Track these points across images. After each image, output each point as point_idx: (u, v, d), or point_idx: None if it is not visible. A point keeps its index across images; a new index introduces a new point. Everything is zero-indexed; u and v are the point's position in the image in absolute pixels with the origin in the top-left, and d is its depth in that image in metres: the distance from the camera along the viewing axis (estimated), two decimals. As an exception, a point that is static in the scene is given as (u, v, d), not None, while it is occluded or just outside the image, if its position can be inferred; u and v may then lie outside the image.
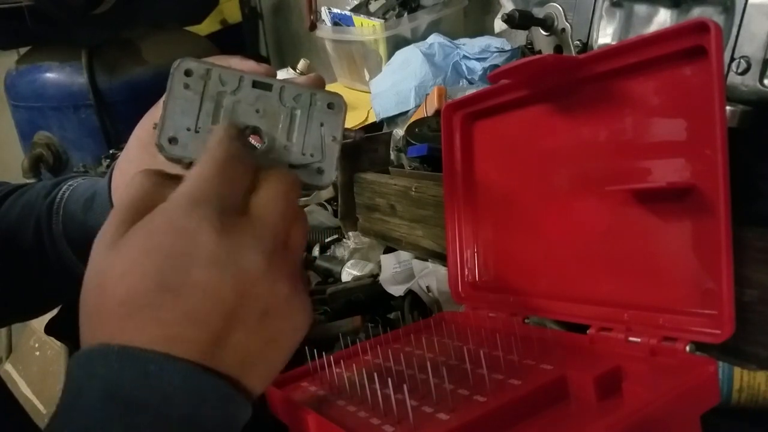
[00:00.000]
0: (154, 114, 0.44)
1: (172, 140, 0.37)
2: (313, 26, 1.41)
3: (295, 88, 0.39)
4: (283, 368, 0.34)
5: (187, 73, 0.37)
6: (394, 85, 1.09)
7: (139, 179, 0.33)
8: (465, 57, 1.08)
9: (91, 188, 0.50)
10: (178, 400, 0.28)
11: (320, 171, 0.38)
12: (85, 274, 0.32)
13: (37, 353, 1.70)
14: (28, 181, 1.41)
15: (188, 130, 0.37)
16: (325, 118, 0.39)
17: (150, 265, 0.29)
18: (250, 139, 0.38)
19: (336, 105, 0.39)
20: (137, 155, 0.45)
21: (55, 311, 0.86)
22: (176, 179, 0.33)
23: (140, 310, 0.29)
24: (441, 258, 0.67)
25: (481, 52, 1.07)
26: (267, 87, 0.39)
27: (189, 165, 0.37)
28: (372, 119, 1.15)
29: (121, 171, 0.47)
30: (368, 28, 1.25)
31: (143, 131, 0.45)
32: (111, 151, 1.42)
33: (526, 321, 0.51)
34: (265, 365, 0.32)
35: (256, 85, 0.38)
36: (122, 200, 0.33)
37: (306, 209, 1.00)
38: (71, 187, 0.52)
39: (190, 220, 0.30)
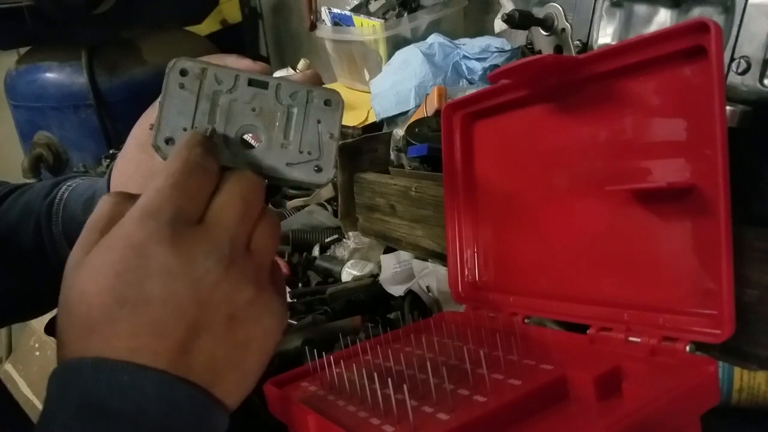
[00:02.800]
0: (150, 114, 0.44)
1: (169, 141, 0.37)
2: (313, 26, 1.41)
3: (291, 86, 0.39)
4: (262, 374, 0.33)
5: (183, 72, 0.37)
6: (394, 85, 1.09)
7: (102, 200, 0.34)
8: (465, 57, 1.08)
9: (90, 188, 0.50)
10: (153, 409, 0.29)
11: (318, 169, 0.38)
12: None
13: (37, 353, 1.70)
14: (28, 181, 1.41)
15: (185, 130, 0.37)
16: (322, 115, 0.39)
17: (105, 281, 0.30)
18: (249, 137, 0.38)
19: (333, 102, 0.39)
20: (135, 155, 0.45)
21: (55, 311, 0.86)
22: (137, 197, 0.33)
23: (100, 324, 0.30)
24: (441, 258, 0.67)
25: (481, 52, 1.07)
26: (263, 85, 0.38)
27: None
28: (372, 119, 1.15)
29: (119, 171, 0.47)
30: (368, 28, 1.25)
31: (141, 131, 0.45)
32: (111, 151, 1.42)
33: (526, 321, 0.51)
34: (237, 372, 0.32)
35: (251, 83, 0.38)
36: (87, 222, 0.33)
37: (306, 209, 1.00)
38: (71, 188, 0.51)
39: (142, 233, 0.30)
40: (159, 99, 0.37)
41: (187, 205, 0.32)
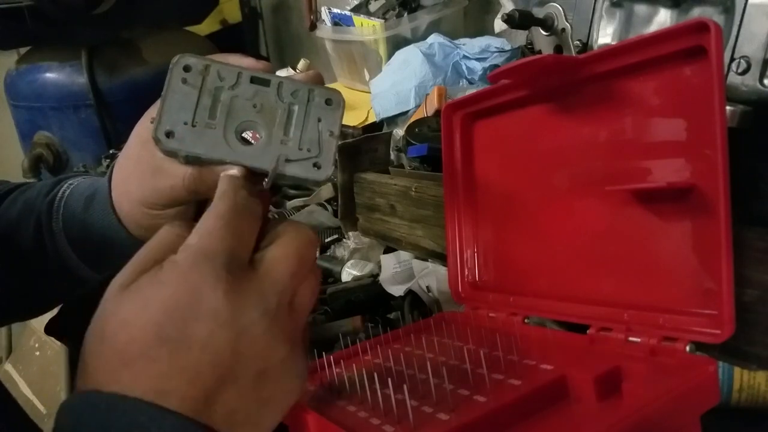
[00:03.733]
0: (153, 111, 0.44)
1: (169, 134, 0.37)
2: (313, 26, 1.41)
3: (293, 84, 0.39)
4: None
5: (186, 68, 0.38)
6: (394, 85, 1.09)
7: (162, 229, 0.34)
8: (465, 57, 1.08)
9: (91, 187, 0.50)
10: None
11: (317, 166, 0.38)
12: (93, 316, 0.31)
13: (37, 353, 1.70)
14: (28, 180, 1.41)
15: (185, 124, 0.37)
16: (322, 113, 0.39)
17: (152, 316, 0.29)
18: (248, 134, 0.38)
19: (334, 101, 0.39)
20: (136, 152, 0.45)
21: (55, 311, 0.86)
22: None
23: (136, 360, 0.29)
24: (441, 258, 0.67)
25: (481, 52, 1.07)
26: (265, 83, 0.39)
27: (185, 159, 0.37)
28: (372, 119, 1.15)
29: (120, 167, 0.47)
30: (368, 28, 1.25)
31: (143, 129, 0.45)
32: (111, 151, 1.42)
33: (526, 321, 0.51)
34: (254, 428, 0.32)
35: (254, 80, 0.39)
36: (141, 248, 0.33)
37: (306, 209, 1.00)
38: (72, 186, 0.51)
39: (197, 274, 0.30)
40: (162, 93, 0.37)
41: (239, 249, 0.32)
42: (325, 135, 0.39)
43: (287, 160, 0.38)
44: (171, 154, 0.37)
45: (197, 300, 0.30)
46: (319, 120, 0.39)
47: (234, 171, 0.36)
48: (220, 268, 0.30)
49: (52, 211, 0.50)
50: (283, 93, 0.39)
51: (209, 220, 0.32)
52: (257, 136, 0.38)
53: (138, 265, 0.32)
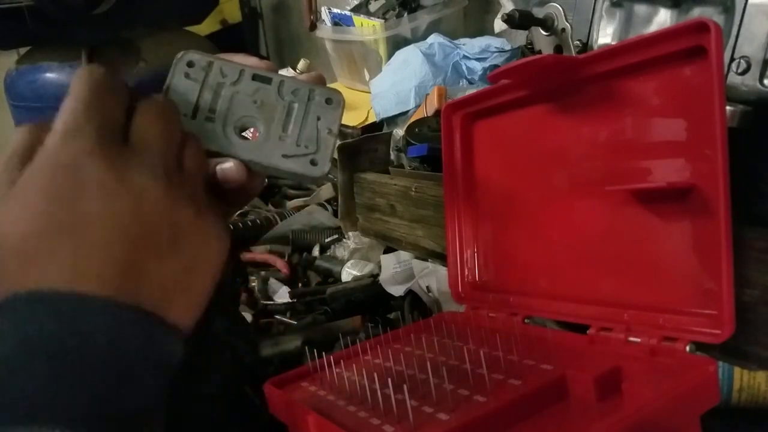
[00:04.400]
0: None
1: None
2: (313, 26, 1.41)
3: (294, 83, 0.40)
4: (208, 299, 0.32)
5: (189, 64, 0.38)
6: (394, 85, 1.09)
7: (17, 131, 0.32)
8: (465, 57, 1.08)
9: None
10: (98, 340, 0.26)
11: (314, 162, 0.39)
12: None
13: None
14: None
15: (185, 116, 0.37)
16: (322, 112, 0.39)
17: (38, 207, 0.28)
18: (248, 133, 0.39)
19: (334, 101, 0.40)
20: None
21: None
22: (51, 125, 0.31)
23: (37, 253, 0.27)
24: (441, 258, 0.67)
25: (481, 52, 1.07)
26: (266, 80, 0.39)
27: None
28: (372, 119, 1.15)
29: None
30: (368, 28, 1.25)
31: None
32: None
33: (526, 321, 0.51)
34: (187, 295, 0.31)
35: (255, 78, 0.39)
36: (4, 154, 0.31)
37: (306, 209, 1.00)
38: None
39: (69, 151, 0.29)
40: (163, 86, 0.38)
41: (108, 122, 0.30)
42: (324, 133, 0.39)
43: (284, 156, 0.38)
44: None
45: (77, 176, 0.28)
46: (318, 118, 0.39)
47: (230, 163, 0.36)
48: (90, 141, 0.29)
49: None
50: (284, 91, 0.39)
51: (69, 102, 0.31)
52: (257, 133, 0.39)
53: (6, 171, 0.30)
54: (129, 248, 0.28)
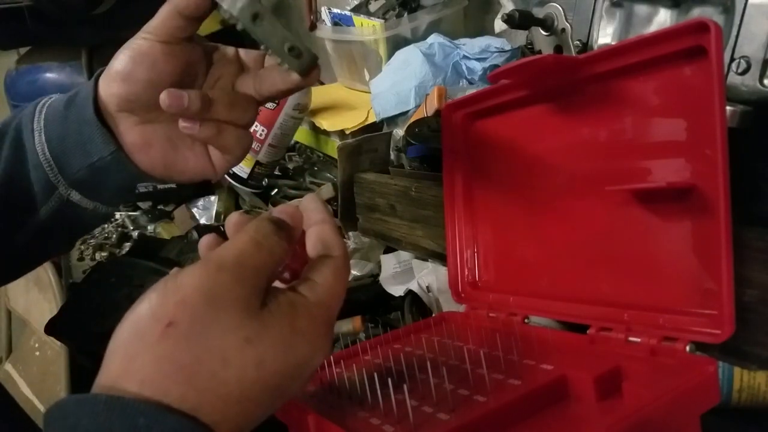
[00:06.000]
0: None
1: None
2: (313, 26, 1.41)
3: None
4: None
5: None
6: (394, 85, 1.08)
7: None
8: (465, 57, 1.08)
9: (71, 91, 0.49)
10: None
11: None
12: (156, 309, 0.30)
13: (37, 353, 1.70)
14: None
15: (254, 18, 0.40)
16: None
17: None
18: None
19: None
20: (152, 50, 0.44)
21: (55, 311, 0.86)
22: None
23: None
24: (441, 258, 0.67)
25: (481, 52, 1.07)
26: None
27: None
28: (372, 119, 1.15)
29: (128, 58, 0.44)
30: (368, 28, 1.25)
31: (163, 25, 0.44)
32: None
33: (526, 321, 0.51)
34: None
35: None
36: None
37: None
38: (51, 98, 0.51)
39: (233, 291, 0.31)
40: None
41: (264, 285, 0.32)
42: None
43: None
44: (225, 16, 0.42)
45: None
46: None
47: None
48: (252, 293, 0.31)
49: (34, 114, 0.48)
50: None
51: (250, 249, 0.32)
52: None
53: (253, 285, 0.32)
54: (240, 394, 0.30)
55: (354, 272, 0.80)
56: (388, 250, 0.80)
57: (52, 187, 0.47)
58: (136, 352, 0.29)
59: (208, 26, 1.93)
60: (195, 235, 1.01)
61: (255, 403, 0.30)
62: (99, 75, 0.46)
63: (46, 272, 1.28)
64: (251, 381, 0.30)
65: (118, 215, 1.31)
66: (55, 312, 0.92)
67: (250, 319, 0.30)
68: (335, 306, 0.35)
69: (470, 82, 1.05)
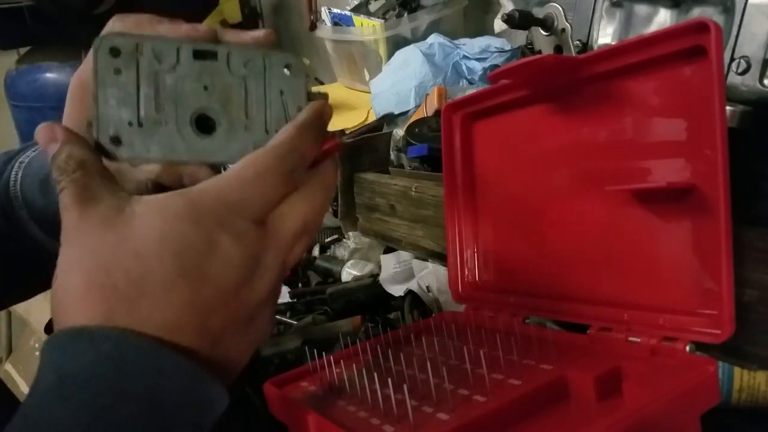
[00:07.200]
0: (77, 101, 0.38)
1: (115, 140, 0.32)
2: (313, 26, 1.41)
3: (243, 53, 0.34)
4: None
5: (114, 52, 0.32)
6: (394, 85, 1.09)
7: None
8: (465, 57, 1.08)
9: (44, 166, 0.46)
10: (136, 375, 0.28)
11: None
12: (65, 251, 0.30)
13: (37, 353, 1.70)
14: None
15: (130, 124, 0.32)
16: (284, 84, 0.34)
17: (170, 250, 0.29)
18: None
19: (293, 66, 0.34)
20: None
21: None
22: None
23: (156, 291, 0.29)
24: (441, 258, 0.67)
25: (481, 52, 1.07)
26: (211, 56, 0.33)
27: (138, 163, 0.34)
28: (372, 119, 1.15)
29: None
30: (368, 28, 1.25)
31: (69, 121, 0.39)
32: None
33: (526, 321, 0.51)
34: (235, 368, 0.33)
35: (197, 55, 0.33)
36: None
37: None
38: (22, 165, 0.48)
39: (219, 223, 0.30)
40: (92, 90, 0.32)
41: (265, 208, 0.32)
42: (293, 111, 0.34)
43: (255, 147, 0.33)
44: (123, 161, 0.32)
45: (213, 244, 0.30)
46: (282, 92, 0.34)
47: (199, 174, 0.36)
48: (240, 222, 0.31)
49: (10, 197, 0.47)
50: (234, 65, 0.33)
51: (248, 168, 0.31)
52: (217, 125, 0.33)
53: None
54: (224, 316, 0.31)
55: (354, 272, 0.80)
56: (388, 250, 0.80)
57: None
58: (151, 287, 0.29)
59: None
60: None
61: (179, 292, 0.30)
62: None
63: (46, 272, 1.27)
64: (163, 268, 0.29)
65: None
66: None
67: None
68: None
69: (470, 82, 1.06)
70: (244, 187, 0.31)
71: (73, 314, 0.29)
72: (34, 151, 0.49)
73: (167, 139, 0.32)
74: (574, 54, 0.64)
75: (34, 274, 0.55)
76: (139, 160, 0.33)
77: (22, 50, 1.63)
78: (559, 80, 0.47)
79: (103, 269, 0.29)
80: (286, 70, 0.34)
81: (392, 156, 0.85)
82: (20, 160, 0.48)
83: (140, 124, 0.32)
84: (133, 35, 0.32)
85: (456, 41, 1.12)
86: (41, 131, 0.33)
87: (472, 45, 1.09)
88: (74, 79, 0.37)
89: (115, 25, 0.35)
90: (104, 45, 0.31)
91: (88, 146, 0.32)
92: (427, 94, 0.99)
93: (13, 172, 0.48)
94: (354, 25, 1.30)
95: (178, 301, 0.29)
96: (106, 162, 0.32)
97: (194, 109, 0.33)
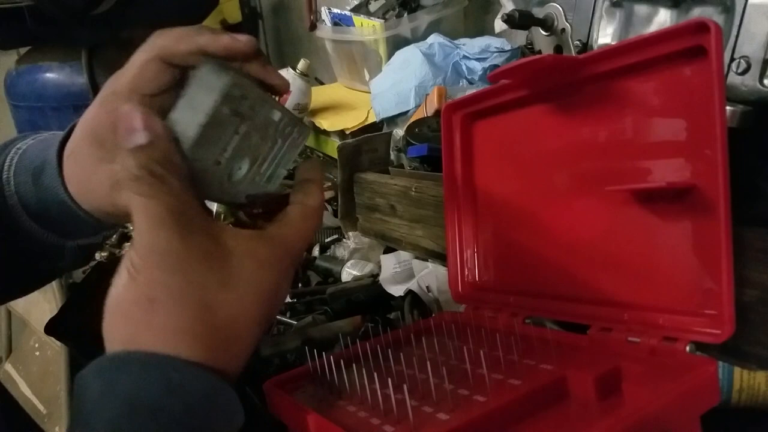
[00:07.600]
0: (110, 95, 0.41)
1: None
2: (313, 26, 1.41)
3: (290, 118, 0.37)
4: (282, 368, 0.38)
5: (233, 91, 0.32)
6: (394, 85, 1.09)
7: None
8: (465, 57, 1.08)
9: (39, 156, 0.45)
10: (199, 410, 0.31)
11: (264, 188, 0.39)
12: (164, 277, 0.32)
13: (37, 353, 1.70)
14: None
15: (218, 164, 0.33)
16: (290, 149, 0.39)
17: (260, 297, 0.35)
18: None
19: (302, 137, 0.39)
20: (90, 152, 0.41)
21: (55, 311, 0.86)
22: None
23: (243, 333, 0.34)
24: (441, 258, 0.67)
25: (481, 52, 1.07)
26: (280, 116, 0.37)
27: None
28: (372, 119, 1.15)
29: (73, 164, 0.43)
30: (368, 28, 1.25)
31: (96, 123, 0.41)
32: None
33: (526, 321, 0.51)
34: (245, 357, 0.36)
35: (273, 112, 0.36)
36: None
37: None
38: (19, 152, 0.47)
39: (285, 269, 0.36)
40: (200, 119, 0.31)
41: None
42: (283, 172, 0.39)
43: (247, 196, 0.38)
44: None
45: (281, 288, 0.36)
46: (287, 151, 0.39)
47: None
48: (292, 266, 0.37)
49: (2, 184, 0.46)
50: (282, 127, 0.37)
51: (306, 223, 0.38)
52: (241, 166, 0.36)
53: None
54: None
55: (354, 272, 0.80)
56: (388, 250, 0.80)
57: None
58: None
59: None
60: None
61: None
62: (65, 141, 0.44)
63: (46, 272, 1.27)
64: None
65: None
66: (55, 312, 0.92)
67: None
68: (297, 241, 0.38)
69: (470, 82, 1.05)
70: (302, 241, 0.37)
71: (164, 340, 0.31)
72: (33, 139, 0.48)
73: (214, 180, 0.35)
74: (574, 54, 0.64)
75: (24, 265, 0.54)
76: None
77: (22, 50, 1.63)
78: (559, 80, 0.47)
79: (207, 308, 0.32)
80: (298, 136, 0.39)
81: (392, 156, 0.85)
82: (18, 145, 0.48)
83: (218, 163, 0.34)
84: (245, 81, 0.34)
85: (456, 41, 1.12)
86: (126, 114, 0.34)
87: (472, 45, 1.09)
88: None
89: (157, 41, 0.39)
90: (225, 78, 0.31)
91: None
92: (427, 94, 0.99)
93: (8, 159, 0.47)
94: (354, 25, 1.29)
95: (254, 342, 0.34)
96: None
97: (239, 155, 0.35)
